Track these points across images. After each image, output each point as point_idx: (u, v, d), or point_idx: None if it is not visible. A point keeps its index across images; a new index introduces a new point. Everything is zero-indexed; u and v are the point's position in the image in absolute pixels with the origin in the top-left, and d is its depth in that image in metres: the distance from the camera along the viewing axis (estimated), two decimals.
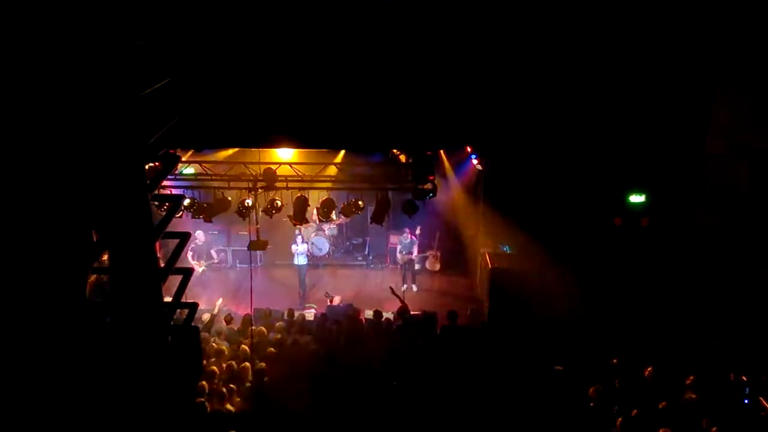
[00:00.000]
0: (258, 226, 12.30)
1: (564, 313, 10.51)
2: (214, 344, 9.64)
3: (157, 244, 4.92)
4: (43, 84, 4.00)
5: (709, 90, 9.37)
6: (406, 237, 13.79)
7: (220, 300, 11.99)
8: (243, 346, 9.48)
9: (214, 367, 8.62)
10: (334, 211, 11.41)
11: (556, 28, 8.58)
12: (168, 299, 5.89)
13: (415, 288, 14.10)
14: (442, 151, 13.21)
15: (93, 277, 5.04)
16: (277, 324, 10.62)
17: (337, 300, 11.96)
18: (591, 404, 7.85)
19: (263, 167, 11.14)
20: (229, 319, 10.74)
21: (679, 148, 10.07)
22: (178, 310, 5.97)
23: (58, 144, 4.18)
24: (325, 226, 14.95)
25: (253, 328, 10.20)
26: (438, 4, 8.43)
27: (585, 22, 8.53)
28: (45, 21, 3.92)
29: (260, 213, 11.81)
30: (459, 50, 8.84)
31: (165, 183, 9.80)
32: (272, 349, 9.45)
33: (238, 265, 15.13)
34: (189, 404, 6.19)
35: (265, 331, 10.21)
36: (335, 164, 11.51)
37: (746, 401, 7.72)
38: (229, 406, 7.88)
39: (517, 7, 8.46)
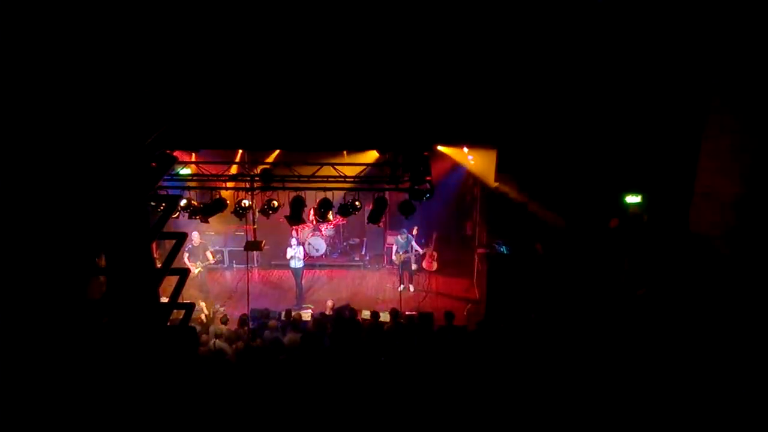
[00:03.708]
0: (255, 226, 12.29)
1: (560, 314, 10.52)
2: (212, 346, 9.65)
3: (154, 245, 4.91)
4: (40, 84, 3.99)
5: (706, 91, 9.39)
6: (403, 237, 13.80)
7: (203, 303, 11.98)
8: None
9: None
10: (331, 212, 11.39)
11: (554, 29, 8.59)
12: (164, 300, 5.90)
13: (412, 288, 14.11)
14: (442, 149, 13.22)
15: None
16: (271, 322, 10.61)
17: (329, 304, 11.96)
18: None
19: (260, 167, 11.14)
20: (224, 320, 10.73)
21: (675, 147, 10.10)
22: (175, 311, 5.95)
23: (54, 145, 4.17)
24: (322, 227, 14.97)
25: (248, 327, 10.22)
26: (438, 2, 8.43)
27: (583, 23, 8.54)
28: (42, 22, 3.92)
29: (257, 213, 11.80)
30: (455, 50, 8.84)
31: (161, 183, 9.78)
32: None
33: (234, 266, 15.12)
34: (186, 402, 6.17)
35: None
36: (332, 164, 11.50)
37: None
38: None
39: (515, 9, 8.46)
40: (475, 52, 8.90)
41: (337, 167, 11.05)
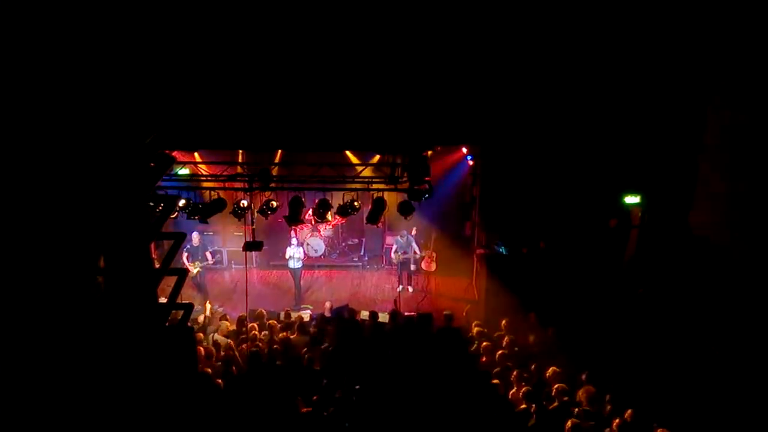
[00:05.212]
0: (253, 226, 12.27)
1: (559, 315, 10.50)
2: (210, 340, 9.71)
3: (152, 245, 4.90)
4: (38, 85, 3.97)
5: (706, 92, 9.39)
6: (402, 237, 13.78)
7: (207, 303, 11.98)
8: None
9: None
10: (329, 212, 11.38)
11: (552, 29, 8.59)
12: (163, 300, 5.88)
13: (410, 289, 14.10)
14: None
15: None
16: (269, 322, 10.58)
17: (328, 305, 11.93)
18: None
19: (258, 168, 11.13)
20: (224, 320, 10.73)
21: (674, 147, 10.10)
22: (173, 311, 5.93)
23: (53, 145, 4.15)
24: (321, 227, 14.94)
25: (247, 326, 10.21)
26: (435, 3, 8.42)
27: (583, 24, 8.54)
28: (42, 24, 3.91)
29: (255, 214, 11.78)
30: (455, 50, 8.84)
31: (160, 184, 9.76)
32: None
33: (233, 266, 15.10)
34: (185, 401, 6.16)
35: (257, 327, 10.24)
36: (331, 165, 11.51)
37: None
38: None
39: (515, 8, 8.46)
40: (474, 52, 8.90)
41: (336, 167, 11.04)
